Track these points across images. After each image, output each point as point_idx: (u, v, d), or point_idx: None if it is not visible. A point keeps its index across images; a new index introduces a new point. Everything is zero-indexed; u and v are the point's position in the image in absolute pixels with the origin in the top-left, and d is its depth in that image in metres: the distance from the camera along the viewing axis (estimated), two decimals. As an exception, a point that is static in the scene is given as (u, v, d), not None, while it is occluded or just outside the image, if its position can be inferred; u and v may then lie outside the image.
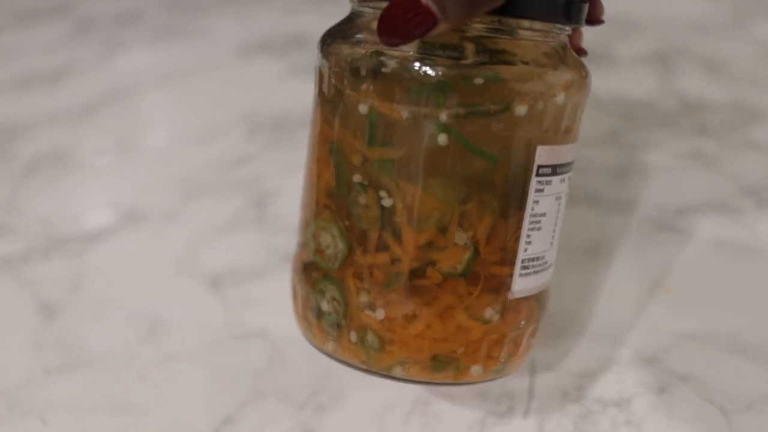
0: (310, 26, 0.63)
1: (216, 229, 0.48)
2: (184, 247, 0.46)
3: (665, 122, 0.55)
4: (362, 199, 0.33)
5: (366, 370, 0.34)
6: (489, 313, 0.33)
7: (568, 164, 0.34)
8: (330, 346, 0.35)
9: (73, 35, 0.64)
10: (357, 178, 0.32)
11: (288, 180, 0.50)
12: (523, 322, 0.35)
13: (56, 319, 0.42)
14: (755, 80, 0.58)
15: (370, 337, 0.33)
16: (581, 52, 0.36)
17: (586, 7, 0.33)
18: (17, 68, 0.61)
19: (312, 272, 0.35)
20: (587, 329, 0.42)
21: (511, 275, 0.33)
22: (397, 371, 0.34)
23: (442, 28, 0.29)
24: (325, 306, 0.34)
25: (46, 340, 0.41)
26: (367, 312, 0.33)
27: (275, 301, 0.43)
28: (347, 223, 0.33)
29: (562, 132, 0.33)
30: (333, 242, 0.34)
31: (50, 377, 0.40)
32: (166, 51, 0.63)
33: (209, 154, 0.53)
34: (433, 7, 0.28)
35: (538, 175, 0.33)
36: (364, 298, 0.33)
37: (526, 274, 0.34)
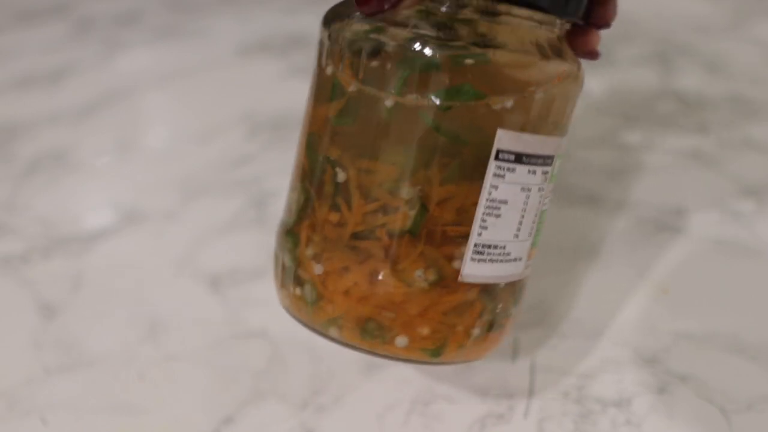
0: (310, 26, 0.63)
1: (216, 229, 0.48)
2: (184, 247, 0.46)
3: (665, 122, 0.55)
4: (323, 166, 0.33)
5: (310, 328, 0.34)
6: (418, 274, 0.32)
7: (545, 157, 0.33)
8: (286, 301, 0.35)
9: (73, 35, 0.64)
10: (322, 147, 0.33)
11: (288, 180, 0.50)
12: (465, 308, 0.33)
13: (56, 319, 0.42)
14: (755, 80, 0.58)
15: (308, 290, 0.33)
16: (593, 55, 0.36)
17: (583, 4, 0.33)
18: (17, 68, 0.61)
19: (282, 231, 0.36)
20: (587, 329, 0.42)
21: (461, 255, 0.32)
22: (333, 332, 0.33)
23: None
24: (287, 260, 0.35)
25: (46, 340, 0.41)
26: (311, 263, 0.33)
27: (275, 301, 0.43)
28: (311, 183, 0.34)
29: (541, 122, 0.32)
30: (297, 198, 0.34)
31: (50, 377, 0.40)
32: (166, 51, 0.63)
33: (209, 154, 0.53)
34: None
35: (497, 159, 0.32)
36: (310, 250, 0.33)
37: (480, 260, 0.33)
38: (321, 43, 0.34)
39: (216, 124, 0.56)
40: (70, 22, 0.66)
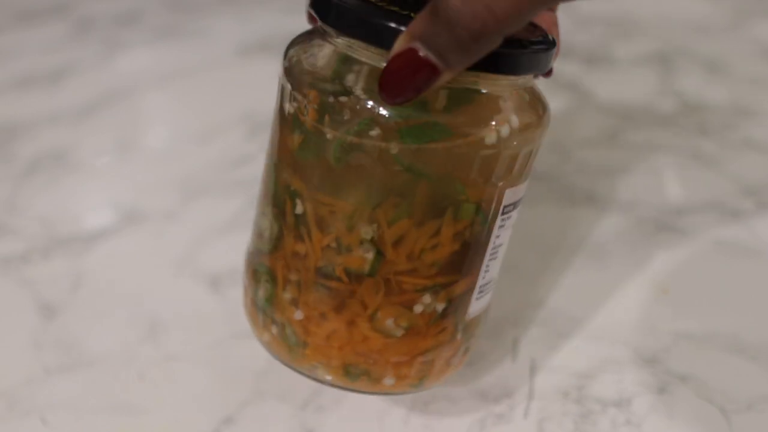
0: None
1: (216, 229, 0.48)
2: (184, 247, 0.46)
3: (665, 122, 0.55)
4: (283, 195, 0.33)
5: (293, 369, 0.35)
6: (389, 324, 0.33)
7: (522, 198, 0.34)
8: (262, 334, 0.35)
9: (73, 35, 0.64)
10: (284, 176, 0.33)
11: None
12: (443, 346, 0.34)
13: (56, 319, 0.42)
14: (755, 80, 0.58)
15: (290, 334, 0.34)
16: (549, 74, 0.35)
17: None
18: (17, 68, 0.61)
19: (252, 259, 0.36)
20: (587, 329, 0.42)
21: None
22: (319, 375, 0.34)
23: (445, 78, 0.28)
24: (260, 293, 0.35)
25: (46, 340, 0.41)
26: (290, 308, 0.33)
27: (275, 301, 0.43)
28: (278, 210, 0.33)
29: (522, 173, 0.33)
30: (269, 225, 0.34)
31: (50, 377, 0.40)
32: (166, 51, 0.63)
33: (209, 154, 0.53)
34: (434, 59, 0.27)
35: (502, 214, 0.33)
36: (288, 294, 0.34)
37: (479, 298, 0.35)
38: (282, 75, 0.33)
39: (216, 124, 0.56)
40: (70, 22, 0.66)
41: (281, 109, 0.33)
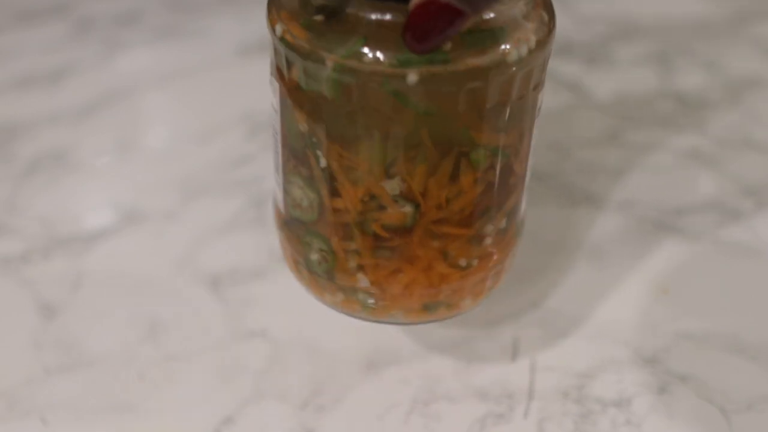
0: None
1: (216, 229, 0.48)
2: (184, 247, 0.46)
3: (665, 122, 0.55)
4: (304, 149, 0.32)
5: (367, 320, 0.35)
6: (464, 261, 0.34)
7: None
8: (327, 298, 0.35)
9: (73, 35, 0.64)
10: (302, 129, 0.32)
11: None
12: (507, 252, 0.36)
13: (56, 319, 0.42)
14: (755, 80, 0.58)
15: (362, 296, 0.34)
16: None
17: None
18: (17, 68, 0.61)
19: (295, 228, 0.35)
20: (587, 329, 0.42)
21: (485, 222, 0.33)
22: (397, 318, 0.35)
23: (471, 19, 0.27)
24: (314, 257, 0.34)
25: (46, 340, 0.41)
26: (356, 277, 0.33)
27: (275, 301, 0.43)
28: (307, 173, 0.33)
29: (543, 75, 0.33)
30: (303, 194, 0.33)
31: (50, 377, 0.40)
32: (166, 51, 0.63)
33: (209, 154, 0.53)
34: (457, 4, 0.26)
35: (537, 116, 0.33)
36: (351, 263, 0.33)
37: (522, 203, 0.36)
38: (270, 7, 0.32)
39: (216, 124, 0.56)
40: (70, 22, 0.66)
41: (274, 48, 0.32)
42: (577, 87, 0.58)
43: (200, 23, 0.66)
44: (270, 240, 0.47)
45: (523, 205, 0.37)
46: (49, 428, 0.37)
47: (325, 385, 0.39)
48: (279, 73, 0.32)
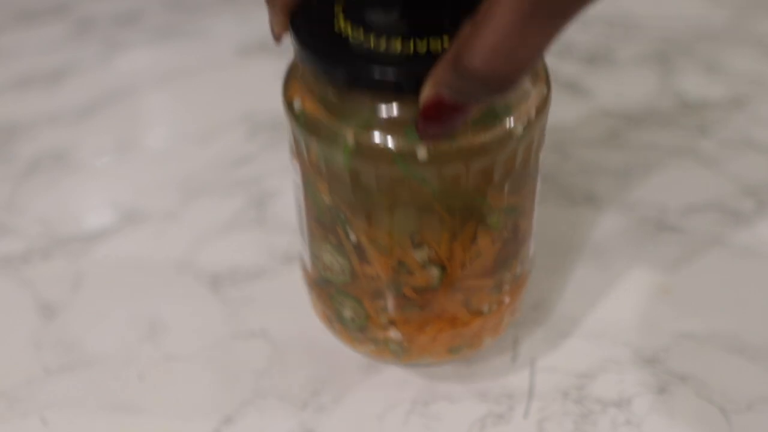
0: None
1: (216, 229, 0.48)
2: (184, 247, 0.46)
3: (665, 122, 0.55)
4: (333, 225, 0.33)
5: (395, 364, 0.38)
6: (486, 308, 0.36)
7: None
8: (359, 347, 0.37)
9: (73, 35, 0.64)
10: (328, 203, 0.33)
11: (288, 180, 0.50)
12: (521, 291, 0.38)
13: (56, 319, 0.42)
14: (755, 80, 0.58)
15: (393, 346, 0.36)
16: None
17: None
18: (17, 68, 0.61)
19: (326, 288, 0.36)
20: (587, 329, 0.42)
21: (504, 273, 0.36)
22: (424, 360, 0.37)
23: (476, 110, 0.28)
24: (347, 314, 0.36)
25: (46, 340, 0.41)
26: (387, 330, 0.36)
27: (275, 301, 0.43)
28: (336, 242, 0.34)
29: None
30: (334, 259, 0.34)
31: (50, 377, 0.40)
32: (166, 51, 0.63)
33: (209, 154, 0.53)
34: (462, 101, 0.27)
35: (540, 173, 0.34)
36: (382, 319, 0.35)
37: (530, 251, 0.38)
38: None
39: (216, 124, 0.56)
40: (70, 22, 0.66)
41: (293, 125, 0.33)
42: (577, 87, 0.58)
43: (200, 23, 0.66)
44: (270, 240, 0.47)
45: (533, 247, 0.38)
46: (49, 428, 0.37)
47: (325, 385, 0.39)
48: (297, 149, 0.33)
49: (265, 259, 0.46)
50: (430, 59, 0.27)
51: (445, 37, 0.28)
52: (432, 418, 0.38)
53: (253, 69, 0.61)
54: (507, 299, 0.37)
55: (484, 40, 0.25)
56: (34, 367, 0.40)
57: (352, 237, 0.33)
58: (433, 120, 0.28)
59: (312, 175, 0.33)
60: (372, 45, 0.29)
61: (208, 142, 0.54)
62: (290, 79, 0.33)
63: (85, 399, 0.39)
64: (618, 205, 0.49)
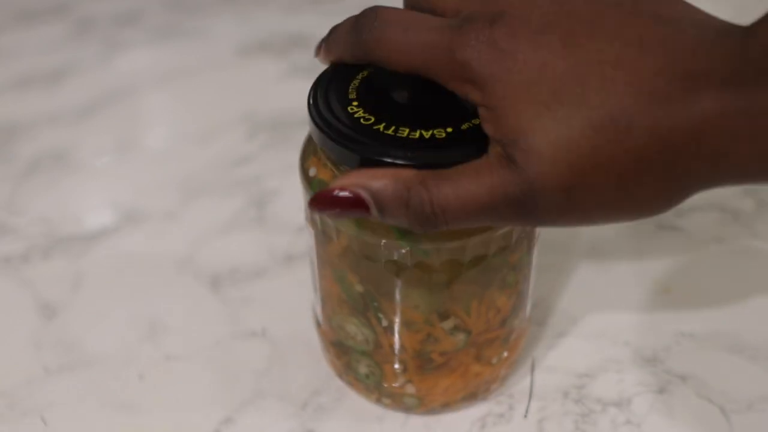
0: (311, 26, 0.63)
1: (216, 229, 0.48)
2: (184, 247, 0.46)
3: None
4: (363, 307, 0.34)
5: (408, 413, 0.38)
6: (496, 359, 0.37)
7: None
8: (373, 399, 0.38)
9: (73, 35, 0.64)
10: (358, 289, 0.34)
11: (288, 180, 0.50)
12: (517, 350, 0.39)
13: (56, 319, 0.42)
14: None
15: (408, 400, 0.37)
16: None
17: None
18: (17, 68, 0.61)
19: (345, 350, 0.37)
20: (587, 329, 0.42)
21: (513, 324, 0.37)
22: (435, 410, 0.37)
23: (377, 221, 0.29)
24: (362, 370, 0.37)
25: (46, 340, 0.41)
26: (404, 387, 0.36)
27: (275, 301, 0.43)
28: (364, 320, 0.35)
29: None
30: (359, 331, 0.35)
31: (50, 377, 0.40)
32: (166, 51, 0.63)
33: (209, 154, 0.53)
34: (374, 210, 0.28)
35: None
36: (399, 380, 0.36)
37: (531, 300, 0.38)
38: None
39: (216, 124, 0.56)
40: (70, 22, 0.66)
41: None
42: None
43: (200, 23, 0.66)
44: (270, 240, 0.47)
45: (530, 304, 0.38)
46: (49, 428, 0.37)
47: (325, 385, 0.39)
48: (312, 216, 0.34)
49: (265, 259, 0.46)
50: (437, 146, 0.28)
51: (449, 128, 0.29)
52: (432, 418, 0.38)
53: (253, 69, 0.61)
54: (515, 346, 0.38)
55: (460, 198, 0.27)
56: (34, 367, 0.40)
57: (384, 322, 0.34)
58: (335, 202, 0.28)
59: (341, 261, 0.33)
60: (381, 129, 0.29)
61: (208, 142, 0.54)
62: (307, 151, 0.33)
63: (85, 399, 0.39)
64: (618, 205, 0.49)
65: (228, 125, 0.56)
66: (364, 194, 0.28)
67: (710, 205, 0.48)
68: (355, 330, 0.35)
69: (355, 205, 0.28)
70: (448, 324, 0.34)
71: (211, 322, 0.42)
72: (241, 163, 0.52)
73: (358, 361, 0.36)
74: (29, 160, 0.53)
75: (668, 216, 0.48)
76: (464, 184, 0.27)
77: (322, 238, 0.33)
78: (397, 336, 0.34)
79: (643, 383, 0.39)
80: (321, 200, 0.28)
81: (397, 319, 0.34)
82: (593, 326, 0.42)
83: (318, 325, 0.38)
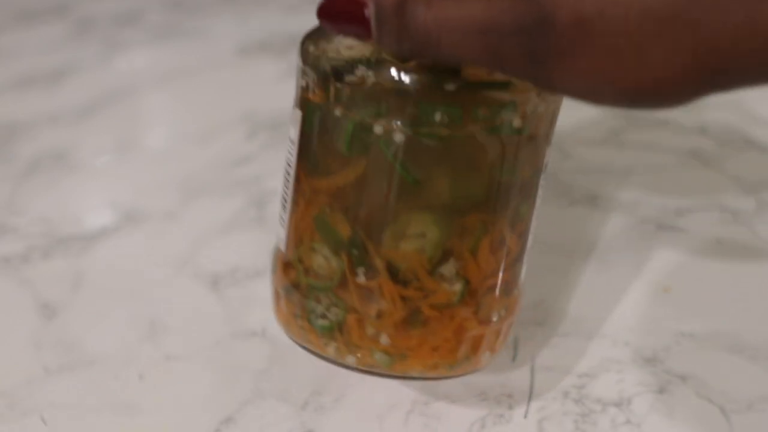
0: (311, 26, 0.63)
1: (216, 229, 0.48)
2: (184, 247, 0.46)
3: (665, 122, 0.55)
4: (335, 243, 0.33)
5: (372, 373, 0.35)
6: (495, 316, 0.35)
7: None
8: (348, 360, 0.36)
9: (73, 35, 0.64)
10: (328, 215, 0.33)
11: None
12: (516, 311, 0.37)
13: (56, 319, 0.42)
14: (755, 80, 0.58)
15: (379, 357, 0.35)
16: None
17: None
18: (17, 68, 0.61)
19: (305, 289, 0.35)
20: (587, 329, 0.42)
21: (511, 278, 0.35)
22: (414, 373, 0.35)
23: (373, 44, 0.28)
24: (331, 327, 0.35)
25: (46, 340, 0.41)
26: (375, 339, 0.34)
27: (275, 301, 0.43)
28: (337, 250, 0.33)
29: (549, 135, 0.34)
30: (326, 263, 0.34)
31: (50, 377, 0.40)
32: (166, 51, 0.63)
33: (209, 154, 0.53)
34: (372, 25, 0.27)
35: (543, 171, 0.34)
36: (371, 329, 0.34)
37: (526, 264, 0.37)
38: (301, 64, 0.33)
39: (216, 124, 0.56)
40: (70, 22, 0.66)
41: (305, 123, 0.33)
42: (577, 87, 0.58)
43: (200, 23, 0.66)
44: (270, 240, 0.47)
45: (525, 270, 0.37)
46: (49, 428, 0.37)
47: (325, 385, 0.39)
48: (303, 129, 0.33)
49: (265, 259, 0.46)
50: None
51: None
52: (432, 418, 0.37)
53: (253, 69, 0.61)
54: (513, 307, 0.37)
55: (463, 17, 0.25)
56: (34, 367, 0.40)
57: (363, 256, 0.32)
58: (337, 8, 0.28)
59: (329, 198, 0.32)
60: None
61: (208, 142, 0.54)
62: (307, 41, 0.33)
63: (85, 399, 0.39)
64: (618, 205, 0.49)
65: (228, 125, 0.56)
66: (370, 7, 0.27)
67: (710, 205, 0.48)
68: (322, 262, 0.33)
69: (356, 14, 0.27)
70: (449, 268, 0.32)
71: (211, 322, 0.42)
72: (241, 163, 0.52)
73: (319, 302, 0.34)
74: (29, 160, 0.53)
75: (668, 216, 0.48)
76: (470, 2, 0.25)
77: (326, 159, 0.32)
78: (378, 277, 0.32)
79: (643, 383, 0.39)
80: (327, 9, 0.28)
81: (384, 252, 0.32)
82: (593, 326, 0.42)
83: (274, 270, 0.37)
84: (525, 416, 0.38)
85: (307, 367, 0.40)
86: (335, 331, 0.34)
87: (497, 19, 0.25)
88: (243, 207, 0.49)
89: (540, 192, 0.34)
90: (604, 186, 0.50)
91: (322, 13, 0.28)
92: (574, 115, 0.55)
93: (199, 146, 0.54)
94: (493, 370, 0.40)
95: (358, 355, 0.35)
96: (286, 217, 0.35)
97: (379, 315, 0.33)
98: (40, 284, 0.44)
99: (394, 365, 0.35)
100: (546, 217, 0.47)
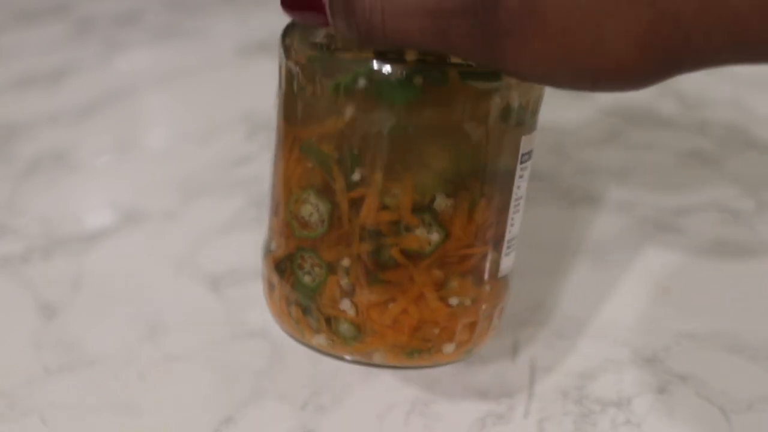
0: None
1: (216, 229, 0.48)
2: (184, 247, 0.46)
3: (665, 122, 0.55)
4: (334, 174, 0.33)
5: (343, 360, 0.35)
6: (456, 300, 0.34)
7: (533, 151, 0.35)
8: (315, 340, 0.35)
9: (73, 35, 0.64)
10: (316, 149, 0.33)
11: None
12: (495, 303, 0.36)
13: (56, 319, 0.42)
14: (755, 80, 0.58)
15: (345, 328, 0.34)
16: None
17: None
18: (17, 68, 0.61)
19: (294, 250, 0.35)
20: (587, 329, 0.42)
21: (486, 257, 0.34)
22: (377, 358, 0.35)
23: (330, 30, 0.28)
24: (307, 270, 0.34)
25: (46, 340, 0.41)
26: (344, 309, 0.34)
27: (275, 301, 0.43)
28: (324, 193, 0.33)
29: (534, 121, 0.34)
30: (314, 208, 0.33)
31: (50, 377, 0.40)
32: (166, 51, 0.63)
33: (209, 154, 0.53)
34: (327, 13, 0.28)
35: (521, 162, 0.33)
36: (337, 291, 0.34)
37: (509, 254, 0.35)
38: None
39: (216, 124, 0.56)
40: (70, 22, 0.66)
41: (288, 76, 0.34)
42: (577, 87, 0.58)
43: (200, 23, 0.66)
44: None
45: (510, 261, 0.37)
46: (49, 428, 0.37)
47: (325, 385, 0.39)
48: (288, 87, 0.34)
49: (265, 259, 0.46)
50: None
51: None
52: (432, 418, 0.37)
53: (253, 69, 0.61)
54: (481, 299, 0.35)
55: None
56: (34, 367, 0.40)
57: (355, 176, 0.32)
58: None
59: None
60: None
61: (208, 142, 0.54)
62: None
63: (85, 399, 0.39)
64: (618, 206, 0.49)
65: (228, 125, 0.56)
66: None
67: (710, 205, 0.49)
68: (311, 209, 0.33)
69: (313, 1, 0.28)
70: (442, 203, 0.32)
71: (211, 322, 0.42)
72: (241, 163, 0.52)
73: (300, 266, 0.34)
74: (29, 160, 0.53)
75: (668, 216, 0.48)
76: None
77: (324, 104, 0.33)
78: (364, 211, 0.32)
79: (643, 383, 0.39)
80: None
81: (380, 177, 0.32)
82: (593, 326, 0.42)
83: (264, 255, 0.37)
84: (525, 416, 0.38)
85: (307, 367, 0.40)
86: (315, 296, 0.34)
87: (443, 2, 0.24)
88: (243, 207, 0.49)
89: (524, 184, 0.34)
90: (604, 186, 0.50)
91: (284, 2, 0.29)
92: (574, 115, 0.55)
93: (199, 146, 0.54)
94: (493, 370, 0.40)
95: (327, 332, 0.35)
96: (273, 181, 0.35)
97: (353, 260, 0.33)
98: (40, 284, 0.44)
99: (356, 342, 0.34)
100: (546, 218, 0.47)
